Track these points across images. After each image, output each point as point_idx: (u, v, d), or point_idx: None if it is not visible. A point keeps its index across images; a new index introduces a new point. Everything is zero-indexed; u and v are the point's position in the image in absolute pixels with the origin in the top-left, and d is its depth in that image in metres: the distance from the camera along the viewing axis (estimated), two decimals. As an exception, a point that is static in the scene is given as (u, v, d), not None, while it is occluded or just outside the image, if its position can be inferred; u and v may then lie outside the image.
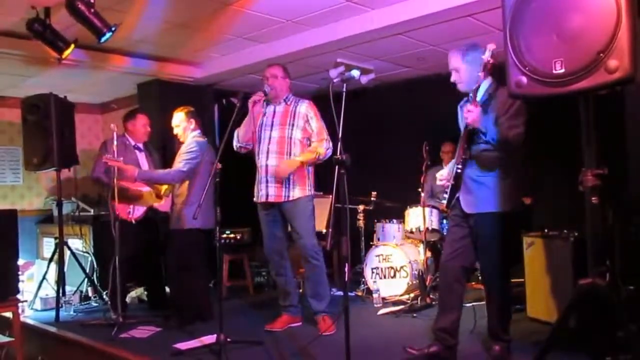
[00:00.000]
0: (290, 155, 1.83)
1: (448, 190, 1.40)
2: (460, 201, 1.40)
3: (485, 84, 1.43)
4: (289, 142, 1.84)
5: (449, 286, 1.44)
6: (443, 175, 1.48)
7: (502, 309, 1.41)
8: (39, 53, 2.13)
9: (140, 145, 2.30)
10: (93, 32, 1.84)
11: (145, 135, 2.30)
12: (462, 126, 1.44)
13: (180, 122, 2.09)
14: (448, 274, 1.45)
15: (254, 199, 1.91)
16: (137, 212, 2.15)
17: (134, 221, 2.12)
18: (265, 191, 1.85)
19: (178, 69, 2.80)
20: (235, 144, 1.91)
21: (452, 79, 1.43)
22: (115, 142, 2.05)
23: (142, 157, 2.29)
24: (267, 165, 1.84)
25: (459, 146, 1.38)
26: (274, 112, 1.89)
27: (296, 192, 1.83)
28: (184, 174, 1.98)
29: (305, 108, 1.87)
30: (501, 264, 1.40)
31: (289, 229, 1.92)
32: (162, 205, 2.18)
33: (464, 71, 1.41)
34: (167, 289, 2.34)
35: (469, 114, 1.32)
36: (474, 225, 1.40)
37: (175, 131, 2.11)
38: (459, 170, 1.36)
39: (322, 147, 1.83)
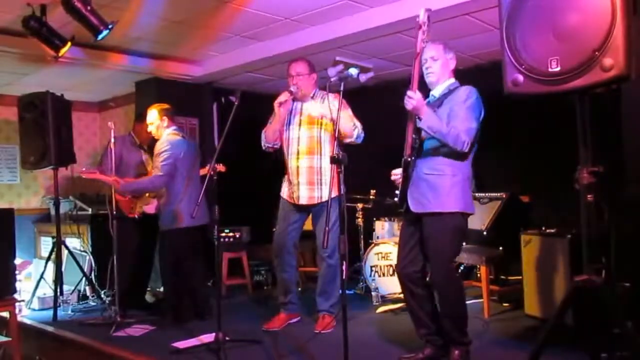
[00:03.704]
0: (321, 155, 1.80)
1: (400, 185, 1.35)
2: (408, 200, 1.36)
3: (448, 82, 1.41)
4: (318, 141, 1.80)
5: (411, 293, 1.41)
6: (398, 170, 1.42)
7: (456, 312, 1.36)
8: (36, 51, 2.12)
9: (145, 146, 2.32)
10: (90, 30, 1.83)
11: (146, 140, 2.31)
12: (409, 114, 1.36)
13: (154, 120, 2.07)
14: (405, 280, 1.41)
15: (282, 195, 1.88)
16: (142, 208, 2.16)
17: (136, 216, 2.12)
18: (297, 193, 1.82)
19: (176, 67, 2.78)
20: (263, 144, 1.88)
21: (428, 65, 1.36)
22: (112, 140, 2.06)
23: (145, 157, 2.32)
24: (298, 167, 1.81)
25: (407, 135, 1.31)
26: (301, 109, 1.85)
27: (326, 193, 1.81)
28: (164, 177, 1.95)
29: (331, 103, 1.82)
30: (448, 266, 1.36)
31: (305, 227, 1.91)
32: (149, 207, 2.18)
33: (441, 65, 1.37)
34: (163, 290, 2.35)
35: (409, 101, 1.25)
36: (422, 227, 1.36)
37: (149, 129, 2.09)
38: (409, 159, 1.31)
39: (358, 129, 1.78)
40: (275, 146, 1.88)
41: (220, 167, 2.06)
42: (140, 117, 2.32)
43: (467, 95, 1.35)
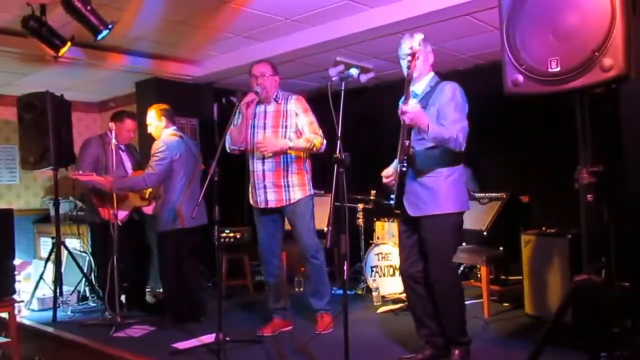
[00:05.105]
0: (287, 157, 1.78)
1: (395, 190, 1.35)
2: (404, 204, 1.36)
3: (428, 77, 1.40)
4: None
5: (413, 293, 1.42)
6: (389, 172, 1.43)
7: (456, 312, 1.37)
8: (35, 51, 2.11)
9: (123, 146, 2.29)
10: (89, 30, 1.82)
11: (127, 139, 2.30)
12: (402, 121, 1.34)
13: (152, 120, 2.07)
14: (409, 281, 1.42)
15: (251, 202, 1.87)
16: (121, 214, 2.12)
17: (119, 223, 2.10)
18: (264, 197, 1.80)
19: (176, 67, 2.78)
20: (228, 146, 1.85)
21: (408, 63, 1.31)
22: (114, 141, 2.06)
23: (125, 157, 2.29)
24: (263, 171, 1.79)
25: (400, 143, 1.32)
26: (265, 112, 1.81)
27: (297, 194, 1.80)
28: (156, 176, 1.94)
29: (293, 105, 1.81)
30: (450, 266, 1.37)
31: (286, 227, 1.90)
32: (147, 208, 2.17)
33: (422, 60, 1.34)
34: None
35: (405, 116, 1.25)
36: (421, 229, 1.36)
37: (149, 129, 2.09)
38: (404, 169, 1.31)
39: (317, 140, 1.78)
40: (241, 148, 1.85)
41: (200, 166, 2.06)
42: (118, 116, 2.27)
43: (452, 94, 1.34)
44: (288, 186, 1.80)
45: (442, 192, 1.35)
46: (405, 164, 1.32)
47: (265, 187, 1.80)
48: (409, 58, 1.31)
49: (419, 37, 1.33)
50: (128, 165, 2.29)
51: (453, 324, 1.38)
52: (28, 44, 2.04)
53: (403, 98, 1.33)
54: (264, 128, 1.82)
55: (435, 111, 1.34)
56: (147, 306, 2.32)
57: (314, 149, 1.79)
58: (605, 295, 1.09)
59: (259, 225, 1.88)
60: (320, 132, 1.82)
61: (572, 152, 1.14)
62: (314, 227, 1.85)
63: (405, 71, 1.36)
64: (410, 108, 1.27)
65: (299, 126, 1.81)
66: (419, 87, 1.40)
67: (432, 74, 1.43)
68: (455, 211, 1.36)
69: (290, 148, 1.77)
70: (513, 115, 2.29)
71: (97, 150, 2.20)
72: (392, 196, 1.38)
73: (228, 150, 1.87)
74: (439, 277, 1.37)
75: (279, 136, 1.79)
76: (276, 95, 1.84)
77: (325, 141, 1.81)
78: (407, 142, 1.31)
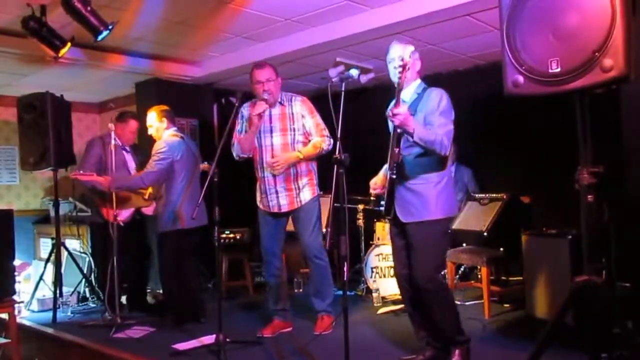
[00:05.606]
0: (297, 163, 1.78)
1: (385, 197, 1.37)
2: (396, 210, 1.37)
3: (415, 84, 1.42)
4: (292, 148, 1.78)
5: (409, 295, 1.43)
6: (377, 182, 1.45)
7: (449, 313, 1.38)
8: (35, 51, 2.11)
9: (127, 147, 2.30)
10: (89, 31, 1.83)
11: (131, 140, 2.30)
12: (391, 129, 1.38)
13: (153, 121, 2.07)
14: (403, 283, 1.43)
15: (260, 207, 1.86)
16: (124, 214, 2.11)
17: (122, 224, 2.10)
18: (276, 202, 1.79)
19: (176, 68, 2.79)
20: (236, 154, 1.83)
21: (396, 65, 1.30)
22: (113, 142, 2.06)
23: (129, 158, 2.30)
24: (274, 176, 1.77)
25: (390, 150, 1.34)
26: (271, 115, 1.79)
27: (306, 195, 1.81)
28: (154, 174, 1.94)
29: (299, 107, 1.81)
30: (437, 270, 1.38)
31: (288, 228, 1.91)
32: (148, 209, 2.17)
33: (411, 67, 1.35)
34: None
35: (396, 118, 1.27)
36: (410, 234, 1.38)
37: (149, 131, 2.09)
38: (393, 176, 1.34)
39: (325, 143, 1.79)
40: (250, 156, 1.83)
41: (205, 166, 2.07)
42: (121, 117, 2.27)
43: (439, 101, 1.37)
44: (298, 188, 1.80)
45: (432, 198, 1.36)
46: (395, 172, 1.34)
47: (277, 192, 1.79)
48: (400, 69, 1.32)
49: (410, 49, 1.34)
50: (132, 165, 2.29)
51: (449, 325, 1.39)
52: (28, 44, 2.05)
53: (393, 103, 1.34)
54: (271, 132, 1.80)
55: (422, 117, 1.36)
56: (147, 307, 2.32)
57: (322, 152, 1.81)
58: (606, 295, 1.08)
59: (263, 226, 1.88)
60: (327, 132, 1.83)
61: (572, 152, 1.14)
62: (319, 228, 1.85)
63: (393, 76, 1.37)
64: (401, 110, 1.28)
65: (306, 128, 1.82)
66: (406, 93, 1.42)
67: (419, 80, 1.44)
68: (444, 217, 1.38)
69: (301, 160, 1.78)
70: (513, 115, 2.29)
71: (100, 150, 2.21)
72: (382, 202, 1.40)
73: (236, 158, 1.86)
74: (427, 281, 1.37)
75: (288, 141, 1.79)
76: (280, 98, 1.83)
77: (331, 140, 1.81)
78: (396, 150, 1.33)
